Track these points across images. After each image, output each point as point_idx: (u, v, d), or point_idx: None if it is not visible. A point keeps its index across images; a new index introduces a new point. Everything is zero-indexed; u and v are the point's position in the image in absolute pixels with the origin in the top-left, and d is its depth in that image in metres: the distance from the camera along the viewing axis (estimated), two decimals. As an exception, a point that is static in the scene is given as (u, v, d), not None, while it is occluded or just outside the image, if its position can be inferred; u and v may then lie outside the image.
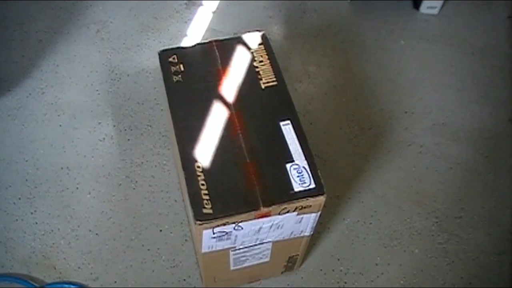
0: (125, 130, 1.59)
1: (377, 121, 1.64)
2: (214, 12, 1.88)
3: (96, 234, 1.40)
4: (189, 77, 1.15)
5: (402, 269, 1.38)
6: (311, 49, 1.80)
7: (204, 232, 0.99)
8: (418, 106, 1.68)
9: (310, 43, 1.81)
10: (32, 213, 1.43)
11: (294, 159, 1.04)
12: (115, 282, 1.33)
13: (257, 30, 1.24)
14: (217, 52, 1.19)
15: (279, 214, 1.01)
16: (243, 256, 1.15)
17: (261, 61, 1.18)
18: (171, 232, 1.41)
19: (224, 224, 0.98)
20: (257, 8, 1.89)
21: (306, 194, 1.00)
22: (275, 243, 1.13)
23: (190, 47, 1.21)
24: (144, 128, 1.59)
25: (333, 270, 1.37)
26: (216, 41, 1.21)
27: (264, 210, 0.98)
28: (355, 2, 1.93)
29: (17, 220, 1.42)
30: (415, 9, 1.92)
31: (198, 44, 1.21)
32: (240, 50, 1.20)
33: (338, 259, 1.39)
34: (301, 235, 1.14)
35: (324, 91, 1.70)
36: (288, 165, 1.03)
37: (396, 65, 1.78)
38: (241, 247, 1.10)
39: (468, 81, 1.75)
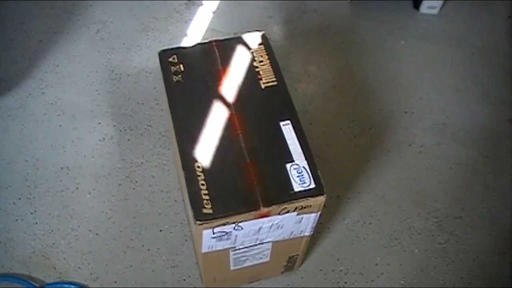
0: (125, 130, 1.59)
1: (377, 121, 1.64)
2: (214, 12, 1.88)
3: (96, 234, 1.40)
4: (189, 77, 1.15)
5: (402, 269, 1.38)
6: (311, 49, 1.80)
7: (204, 232, 0.99)
8: (418, 106, 1.68)
9: (310, 43, 1.81)
10: (32, 213, 1.43)
11: (294, 159, 1.04)
12: (115, 282, 1.33)
13: (257, 30, 1.24)
14: (217, 52, 1.19)
15: (279, 214, 1.01)
16: (243, 256, 1.15)
17: (261, 61, 1.18)
18: (171, 232, 1.41)
19: (224, 224, 0.98)
20: (257, 8, 1.89)
21: (306, 194, 1.00)
22: (275, 243, 1.13)
23: (190, 47, 1.21)
24: (144, 128, 1.59)
25: (333, 270, 1.37)
26: (216, 41, 1.21)
27: (264, 210, 0.98)
28: (355, 2, 1.93)
29: (17, 220, 1.42)
30: (415, 9, 1.92)
31: (198, 44, 1.21)
32: (240, 50, 1.20)
33: (338, 259, 1.39)
34: (301, 235, 1.14)
35: (324, 91, 1.70)
36: (288, 165, 1.03)
37: (396, 65, 1.78)
38: (241, 247, 1.10)
39: (468, 81, 1.75)
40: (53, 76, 1.70)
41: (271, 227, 1.05)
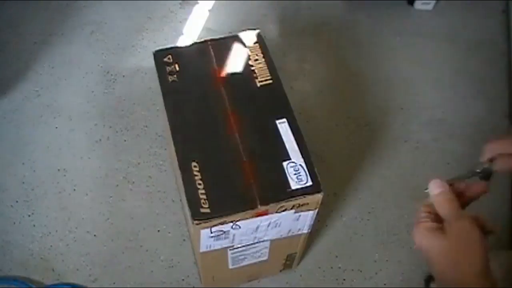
0: (121, 131, 1.58)
1: (373, 118, 1.64)
2: (209, 11, 1.88)
3: (94, 235, 1.40)
4: (185, 76, 1.15)
5: (401, 266, 1.38)
6: (306, 47, 1.80)
7: (202, 231, 0.98)
8: (414, 102, 1.68)
9: (305, 41, 1.82)
10: (29, 216, 1.43)
11: (291, 157, 1.04)
12: (114, 283, 1.33)
13: (253, 29, 1.24)
14: (212, 51, 1.19)
15: (276, 212, 1.01)
16: (241, 255, 1.15)
17: (256, 60, 1.18)
18: (169, 232, 1.41)
19: (222, 223, 0.98)
20: (252, 7, 1.89)
21: (303, 192, 1.00)
22: (273, 241, 1.13)
23: (185, 47, 1.21)
24: (140, 128, 1.59)
25: (332, 268, 1.37)
26: (211, 40, 1.21)
27: (261, 208, 0.98)
28: (350, -1, 1.94)
29: (14, 223, 1.42)
30: (409, 5, 1.92)
31: (193, 43, 1.21)
32: (235, 49, 1.20)
33: (336, 256, 1.39)
34: (299, 233, 1.14)
35: (320, 89, 1.70)
36: (285, 163, 1.03)
37: (391, 62, 1.78)
38: (239, 246, 1.10)
39: (463, 76, 1.75)
40: (49, 78, 1.69)
41: (268, 225, 1.05)
